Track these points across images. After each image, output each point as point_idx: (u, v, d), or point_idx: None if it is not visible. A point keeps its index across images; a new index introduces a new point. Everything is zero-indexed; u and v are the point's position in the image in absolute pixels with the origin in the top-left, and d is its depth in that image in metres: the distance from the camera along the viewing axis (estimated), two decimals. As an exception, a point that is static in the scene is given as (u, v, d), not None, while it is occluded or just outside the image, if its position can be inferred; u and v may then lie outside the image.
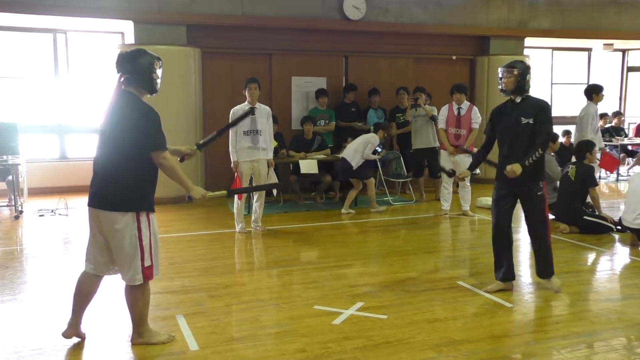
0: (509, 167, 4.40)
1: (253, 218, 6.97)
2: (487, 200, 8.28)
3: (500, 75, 4.58)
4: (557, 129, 11.98)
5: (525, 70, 4.54)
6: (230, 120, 6.71)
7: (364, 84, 9.72)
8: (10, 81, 9.43)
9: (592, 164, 7.21)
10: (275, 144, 8.24)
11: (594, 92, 8.14)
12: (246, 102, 6.81)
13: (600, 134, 8.10)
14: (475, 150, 7.77)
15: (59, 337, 3.83)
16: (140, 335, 3.62)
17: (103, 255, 3.49)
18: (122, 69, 3.43)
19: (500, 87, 4.60)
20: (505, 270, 4.75)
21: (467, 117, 7.64)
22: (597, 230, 6.73)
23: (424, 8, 10.03)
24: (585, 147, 7.20)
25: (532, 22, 10.79)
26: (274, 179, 7.00)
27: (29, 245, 6.56)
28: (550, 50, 12.65)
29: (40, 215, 7.71)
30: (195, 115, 8.88)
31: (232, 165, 6.85)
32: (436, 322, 4.12)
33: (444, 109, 7.82)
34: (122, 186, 3.30)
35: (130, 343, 3.69)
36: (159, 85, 3.57)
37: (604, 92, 8.27)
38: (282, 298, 4.66)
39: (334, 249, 6.25)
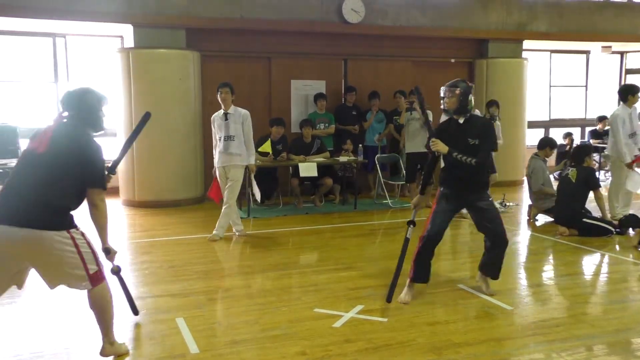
0: (437, 141, 4.41)
1: (217, 224, 6.78)
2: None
3: (442, 95, 4.53)
4: (556, 132, 12.07)
5: (467, 89, 4.49)
6: (212, 126, 6.79)
7: (363, 87, 9.73)
8: (10, 85, 9.43)
9: (592, 167, 7.23)
10: (268, 148, 8.24)
11: (630, 93, 7.48)
12: (221, 109, 6.69)
13: (638, 137, 7.40)
14: None
15: (58, 340, 3.83)
16: (112, 344, 3.52)
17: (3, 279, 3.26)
18: (67, 106, 3.38)
19: (442, 106, 4.56)
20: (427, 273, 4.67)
21: None
22: (596, 232, 6.74)
23: (423, 11, 10.05)
24: (583, 151, 7.22)
25: (531, 24, 10.82)
26: (256, 191, 6.99)
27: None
28: (549, 52, 12.68)
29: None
30: (194, 119, 8.89)
31: (213, 170, 6.88)
32: (437, 325, 4.12)
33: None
34: (55, 209, 3.16)
35: (100, 355, 3.52)
36: (104, 124, 3.52)
37: None
38: (282, 301, 4.66)
39: (334, 252, 6.25)
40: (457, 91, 4.45)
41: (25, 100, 9.61)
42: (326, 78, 9.91)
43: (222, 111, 6.68)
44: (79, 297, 3.75)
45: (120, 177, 8.89)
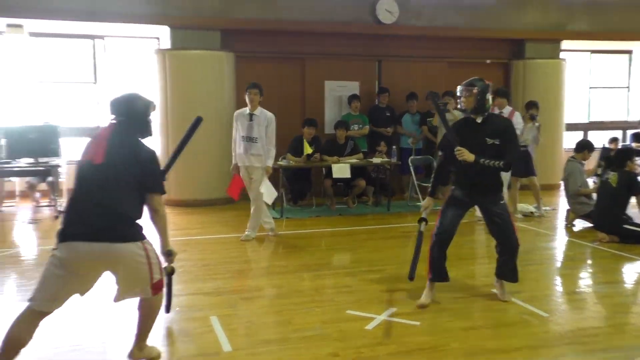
0: (463, 150, 4.25)
1: (248, 225, 6.79)
2: (525, 207, 8.17)
3: (458, 94, 4.45)
4: (595, 135, 11.77)
5: (484, 88, 4.40)
6: (234, 121, 6.74)
7: (397, 88, 9.67)
8: (51, 86, 9.67)
9: (634, 171, 7.03)
10: (309, 150, 8.26)
11: None
12: (247, 107, 6.64)
13: None
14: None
15: (96, 334, 3.91)
16: (141, 349, 3.50)
17: (70, 292, 3.21)
18: (116, 112, 3.36)
19: (459, 105, 4.49)
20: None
21: None
22: (638, 239, 6.54)
23: (458, 11, 9.94)
24: (625, 155, 7.03)
25: (570, 24, 10.59)
26: (267, 187, 6.65)
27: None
28: (589, 53, 12.36)
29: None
30: (229, 119, 8.93)
31: (231, 167, 6.81)
32: (470, 330, 4.07)
33: None
34: (128, 220, 3.19)
35: (129, 358, 3.51)
36: (152, 129, 3.52)
37: None
38: (314, 302, 4.66)
39: (367, 254, 6.23)
40: (475, 90, 4.36)
41: (66, 101, 9.85)
42: (360, 79, 9.89)
43: (247, 110, 6.61)
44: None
45: (160, 173, 9.02)
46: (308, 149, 8.24)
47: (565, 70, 10.66)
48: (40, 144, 7.90)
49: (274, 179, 8.49)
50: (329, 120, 9.62)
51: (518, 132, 7.50)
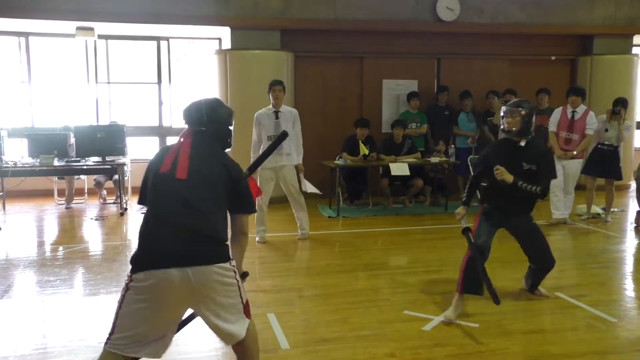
0: (503, 169, 4.15)
1: (298, 224, 6.75)
2: (592, 208, 7.85)
3: (502, 114, 4.32)
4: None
5: (532, 110, 4.28)
6: (254, 122, 6.51)
7: (456, 87, 9.50)
8: (118, 86, 10.04)
9: None
10: (365, 150, 8.24)
11: None
12: (270, 106, 6.50)
13: None
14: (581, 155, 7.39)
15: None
16: None
17: (158, 331, 2.72)
18: (197, 120, 2.93)
19: (502, 126, 4.34)
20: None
21: (581, 122, 7.22)
22: None
23: (522, 7, 9.66)
24: None
25: (642, 18, 10.10)
26: (308, 186, 6.56)
27: (132, 241, 6.96)
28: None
29: (142, 213, 8.15)
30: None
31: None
32: (532, 334, 3.95)
33: (557, 112, 7.46)
34: (218, 240, 2.74)
35: None
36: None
37: None
38: (371, 301, 4.65)
39: (424, 254, 6.16)
40: (523, 112, 4.23)
41: (132, 100, 10.21)
42: (418, 77, 9.78)
43: (271, 109, 6.47)
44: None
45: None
46: (364, 150, 8.22)
47: (638, 67, 10.18)
48: (107, 143, 8.19)
49: (331, 178, 8.56)
50: (386, 119, 9.56)
51: (591, 132, 7.24)
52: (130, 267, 2.66)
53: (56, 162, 7.81)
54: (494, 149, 4.46)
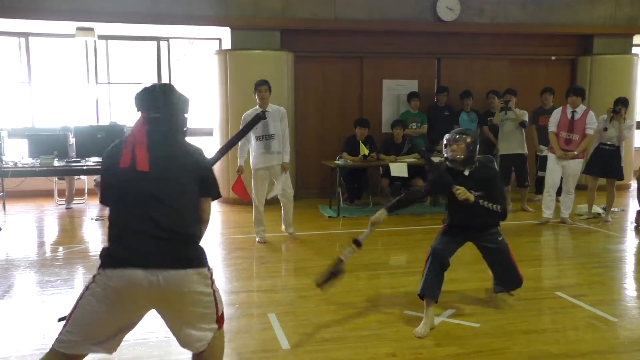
0: (463, 189, 4.04)
1: (283, 219, 6.75)
2: (586, 209, 7.86)
3: (446, 142, 4.19)
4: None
5: (476, 139, 4.20)
6: (241, 123, 6.40)
7: (456, 87, 9.50)
8: (118, 86, 10.03)
9: None
10: (365, 150, 8.24)
11: None
12: (257, 106, 6.44)
13: None
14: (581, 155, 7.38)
15: (161, 325, 4.02)
16: None
17: (110, 330, 2.53)
18: (152, 106, 2.68)
19: (446, 155, 4.19)
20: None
21: (581, 122, 7.21)
22: None
23: (522, 7, 9.66)
24: None
25: (642, 18, 10.10)
26: (287, 185, 6.56)
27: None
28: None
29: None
30: (288, 118, 9.05)
31: (237, 168, 6.47)
32: (532, 334, 3.95)
33: (557, 112, 7.45)
34: (192, 241, 2.57)
35: None
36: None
37: None
38: (371, 301, 4.65)
39: (424, 254, 6.09)
40: (468, 139, 4.11)
41: (132, 101, 10.21)
42: (419, 77, 9.78)
43: (258, 109, 6.41)
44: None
45: (216, 175, 9.23)
46: (364, 150, 8.22)
47: (638, 67, 10.18)
48: (107, 143, 8.10)
49: (331, 178, 8.56)
50: (386, 119, 9.56)
51: (592, 132, 7.23)
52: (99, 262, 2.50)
53: (56, 163, 7.80)
54: (441, 177, 4.24)
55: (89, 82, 9.81)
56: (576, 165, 7.31)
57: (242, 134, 3.53)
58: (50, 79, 9.88)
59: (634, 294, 4.98)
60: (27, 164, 7.81)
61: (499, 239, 4.30)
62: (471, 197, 4.03)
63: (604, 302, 4.55)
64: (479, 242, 4.34)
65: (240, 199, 6.69)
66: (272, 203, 7.24)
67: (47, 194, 9.28)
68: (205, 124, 9.68)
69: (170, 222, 2.49)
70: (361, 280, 5.23)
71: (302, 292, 4.89)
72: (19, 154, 8.45)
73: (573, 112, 7.26)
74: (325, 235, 7.05)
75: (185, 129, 2.79)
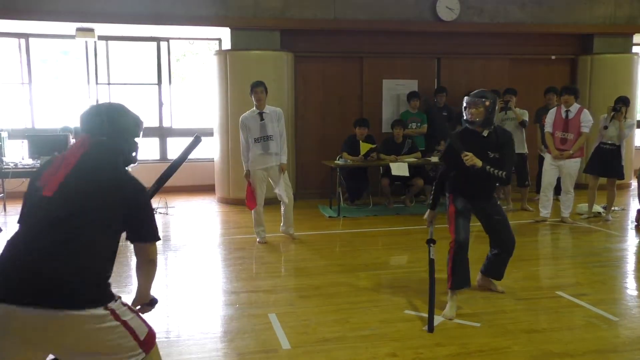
0: (471, 155, 4.20)
1: (283, 224, 6.75)
2: (586, 208, 7.85)
3: (465, 105, 4.32)
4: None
5: (495, 101, 4.34)
6: (240, 127, 6.44)
7: (456, 87, 9.50)
8: (118, 87, 10.04)
9: None
10: (366, 147, 8.24)
11: None
12: (254, 107, 6.45)
13: None
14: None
15: (161, 326, 4.03)
16: None
17: None
18: (94, 128, 2.44)
19: (465, 117, 4.34)
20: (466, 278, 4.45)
21: (575, 121, 7.22)
22: None
23: (522, 7, 9.66)
24: None
25: (642, 17, 10.09)
26: (287, 186, 6.56)
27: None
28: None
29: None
30: (287, 118, 9.04)
31: (244, 174, 6.52)
32: (533, 333, 3.95)
33: (551, 112, 7.47)
34: (90, 280, 2.20)
35: None
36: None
37: None
38: (372, 301, 4.64)
39: (425, 254, 6.10)
40: (487, 102, 4.26)
41: (132, 101, 10.22)
42: (418, 77, 9.77)
43: (255, 111, 6.43)
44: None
45: (216, 175, 9.24)
46: (366, 147, 8.21)
47: (638, 66, 10.18)
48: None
49: (331, 178, 8.56)
50: (386, 118, 9.56)
51: (587, 130, 7.22)
52: None
53: (56, 163, 7.80)
54: (458, 139, 4.38)
55: (89, 83, 9.81)
56: (573, 165, 7.30)
57: (180, 162, 2.83)
58: (51, 79, 9.88)
59: (635, 293, 4.98)
60: (27, 165, 7.81)
61: (497, 204, 4.61)
62: (479, 162, 4.18)
63: (605, 301, 4.55)
64: (484, 214, 4.53)
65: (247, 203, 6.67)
66: (272, 203, 7.25)
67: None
68: (205, 125, 9.68)
69: (66, 255, 2.16)
70: (362, 280, 5.22)
71: (302, 292, 4.89)
72: (19, 154, 8.45)
73: (567, 111, 7.28)
74: (326, 235, 7.05)
75: (133, 154, 2.55)
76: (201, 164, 9.87)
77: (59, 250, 2.17)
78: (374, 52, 9.55)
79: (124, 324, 2.25)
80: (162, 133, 10.19)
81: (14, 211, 8.48)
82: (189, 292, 4.93)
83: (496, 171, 4.21)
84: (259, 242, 6.56)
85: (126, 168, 2.48)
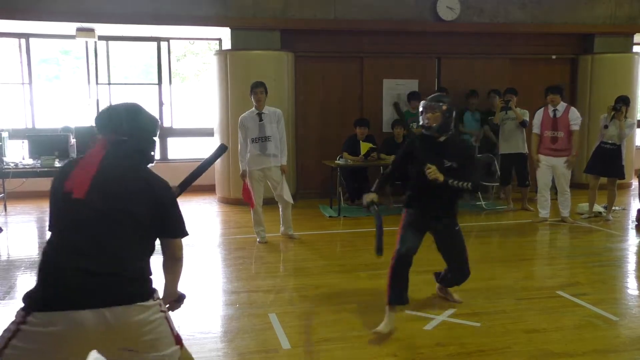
0: (434, 168, 3.86)
1: (282, 226, 6.78)
2: (587, 208, 7.85)
3: (422, 109, 4.07)
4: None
5: (452, 105, 4.09)
6: (238, 126, 6.46)
7: (457, 86, 9.50)
8: (120, 87, 10.04)
9: None
10: (366, 147, 8.24)
11: None
12: (253, 108, 6.46)
13: None
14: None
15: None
16: None
17: None
18: (112, 128, 2.45)
19: (422, 122, 4.08)
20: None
21: (564, 119, 7.26)
22: None
23: (522, 7, 9.66)
24: None
25: (643, 17, 10.09)
26: (285, 192, 6.54)
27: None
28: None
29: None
30: (288, 118, 9.05)
31: (240, 174, 6.56)
32: (533, 333, 3.95)
33: (539, 113, 7.50)
34: (134, 275, 2.29)
35: None
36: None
37: None
38: (371, 301, 4.64)
39: (425, 254, 6.08)
40: (444, 107, 4.01)
41: (132, 101, 10.22)
42: (419, 77, 9.77)
43: (254, 112, 6.44)
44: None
45: (217, 175, 9.24)
46: (366, 147, 8.21)
47: (639, 66, 10.17)
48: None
49: (331, 178, 8.56)
50: (387, 119, 9.56)
51: (577, 127, 7.25)
52: (22, 305, 2.16)
53: (57, 163, 7.79)
54: (414, 145, 4.07)
55: (89, 83, 9.81)
56: (564, 164, 7.31)
57: (207, 165, 3.04)
58: (51, 79, 9.88)
59: (635, 292, 4.98)
60: (28, 165, 7.81)
61: (456, 228, 4.24)
62: (441, 177, 3.87)
63: (605, 301, 4.55)
64: (437, 232, 4.25)
65: (246, 203, 6.70)
66: (272, 203, 7.23)
67: (48, 195, 9.24)
68: (206, 124, 9.68)
69: (107, 258, 2.22)
70: (362, 280, 5.22)
71: (302, 292, 4.89)
72: (19, 154, 8.45)
73: (554, 110, 7.30)
74: (326, 235, 7.05)
75: (152, 153, 2.57)
76: (201, 164, 9.86)
77: (98, 250, 2.22)
78: (374, 52, 9.54)
79: (166, 316, 2.34)
80: (162, 133, 10.19)
81: (15, 211, 8.48)
82: (189, 292, 4.90)
83: (460, 183, 3.88)
84: (259, 242, 6.56)
85: (147, 166, 2.51)
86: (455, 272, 4.38)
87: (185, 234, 2.51)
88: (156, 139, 2.59)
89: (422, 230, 4.21)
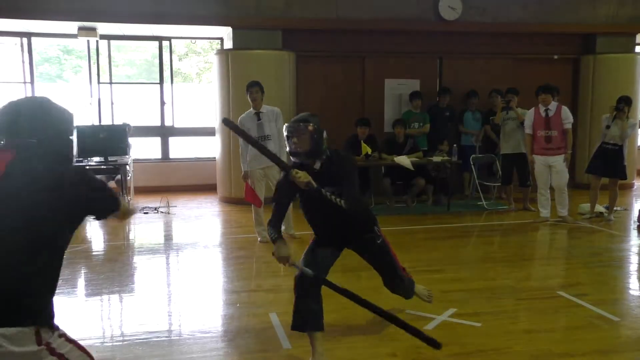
0: (297, 171, 3.35)
1: (284, 225, 6.70)
2: (588, 208, 7.84)
3: (287, 134, 3.50)
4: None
5: (319, 125, 3.48)
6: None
7: (459, 86, 9.49)
8: (121, 86, 10.05)
9: None
10: (367, 149, 8.23)
11: None
12: (251, 108, 6.51)
13: None
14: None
15: (162, 325, 4.03)
16: None
17: None
18: (13, 131, 2.10)
19: (289, 149, 3.54)
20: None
21: (556, 118, 7.29)
22: None
23: (524, 6, 9.64)
24: None
25: (645, 17, 10.07)
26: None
27: (135, 240, 6.97)
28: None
29: (144, 213, 8.15)
30: (289, 117, 9.01)
31: (241, 175, 6.58)
32: (534, 333, 3.94)
33: (530, 113, 7.54)
34: (24, 299, 1.97)
35: None
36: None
37: None
38: (373, 301, 4.60)
39: (425, 254, 6.14)
40: (311, 127, 3.43)
41: (133, 100, 10.23)
42: (420, 77, 9.76)
43: (252, 111, 6.47)
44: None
45: (218, 174, 9.25)
46: (366, 149, 8.20)
47: (640, 65, 10.16)
48: (109, 143, 8.20)
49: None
50: (388, 118, 9.55)
51: (569, 126, 7.28)
52: None
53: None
54: (285, 178, 3.57)
55: (91, 82, 9.82)
56: (561, 162, 7.31)
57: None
58: (53, 78, 9.89)
59: (636, 293, 4.97)
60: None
61: (378, 242, 3.86)
62: (308, 177, 3.32)
63: (606, 301, 4.53)
64: (357, 248, 3.91)
65: (252, 202, 6.65)
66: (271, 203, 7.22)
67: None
68: (207, 124, 9.68)
69: (7, 270, 1.94)
70: (362, 280, 5.22)
71: (303, 292, 4.89)
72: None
73: (546, 109, 7.31)
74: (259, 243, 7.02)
75: (68, 153, 2.25)
76: (203, 164, 9.87)
77: (7, 267, 1.94)
78: (375, 52, 9.54)
79: (60, 357, 2.02)
80: (163, 132, 10.19)
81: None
82: (190, 291, 4.93)
83: (333, 197, 3.35)
84: (260, 241, 6.56)
85: (63, 168, 2.14)
86: (389, 284, 4.04)
87: (118, 206, 2.31)
88: (71, 138, 2.26)
89: (335, 252, 3.85)
